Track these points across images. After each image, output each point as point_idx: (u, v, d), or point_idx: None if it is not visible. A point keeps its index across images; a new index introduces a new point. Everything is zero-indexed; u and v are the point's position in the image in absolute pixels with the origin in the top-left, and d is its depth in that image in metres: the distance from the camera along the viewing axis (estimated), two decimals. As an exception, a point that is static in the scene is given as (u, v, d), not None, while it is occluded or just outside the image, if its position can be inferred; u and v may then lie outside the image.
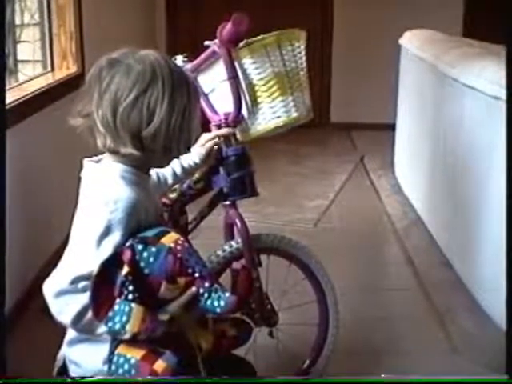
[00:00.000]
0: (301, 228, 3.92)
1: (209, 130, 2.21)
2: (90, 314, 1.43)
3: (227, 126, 2.15)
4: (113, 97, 1.47)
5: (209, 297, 1.45)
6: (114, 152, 1.52)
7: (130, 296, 1.40)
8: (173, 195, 2.32)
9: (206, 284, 1.44)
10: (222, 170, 2.17)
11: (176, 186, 2.32)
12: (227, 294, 1.45)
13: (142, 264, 1.42)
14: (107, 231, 1.47)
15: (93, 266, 1.43)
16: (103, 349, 1.49)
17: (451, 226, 3.38)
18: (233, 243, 2.22)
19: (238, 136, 2.20)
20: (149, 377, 1.41)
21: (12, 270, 2.12)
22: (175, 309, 1.45)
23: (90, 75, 1.52)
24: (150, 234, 1.46)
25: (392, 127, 4.82)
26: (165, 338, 1.45)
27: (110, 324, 1.41)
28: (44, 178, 3.14)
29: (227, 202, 2.20)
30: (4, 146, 1.88)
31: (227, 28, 2.05)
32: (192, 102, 1.53)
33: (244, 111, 2.14)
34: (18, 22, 3.73)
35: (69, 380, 1.54)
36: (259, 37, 2.10)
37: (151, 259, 1.42)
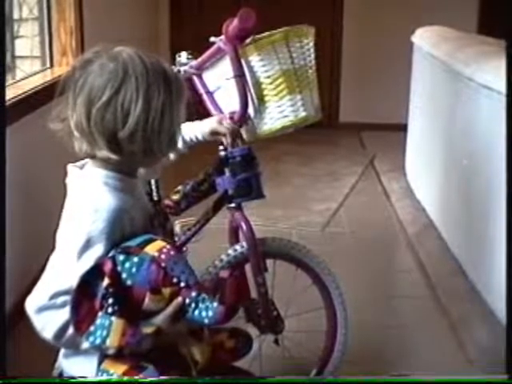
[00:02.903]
0: (308, 232, 3.92)
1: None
2: (71, 329, 1.43)
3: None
4: (86, 99, 1.46)
5: (196, 307, 1.43)
6: (92, 157, 1.51)
7: (110, 309, 1.39)
8: (175, 197, 2.32)
9: (193, 294, 1.43)
10: (227, 171, 2.18)
11: (179, 188, 2.33)
12: (215, 304, 1.43)
13: (124, 275, 1.41)
14: (88, 244, 1.45)
15: (73, 280, 1.42)
16: (95, 362, 1.50)
17: (465, 231, 3.38)
18: (237, 247, 2.23)
19: (244, 136, 2.21)
20: None
21: (12, 269, 2.13)
22: (161, 321, 1.44)
23: (63, 78, 1.51)
24: (133, 243, 1.45)
25: (403, 128, 4.82)
26: (154, 352, 1.45)
27: (91, 339, 1.40)
28: (42, 180, 3.15)
29: (232, 205, 2.21)
30: (4, 145, 1.89)
31: (233, 24, 2.05)
32: (173, 100, 1.49)
33: (250, 110, 2.15)
34: (16, 16, 3.74)
35: (69, 380, 1.54)
36: (266, 33, 2.11)
37: (133, 269, 1.41)
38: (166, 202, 2.34)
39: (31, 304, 1.48)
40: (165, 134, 1.49)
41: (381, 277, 3.49)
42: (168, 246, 1.45)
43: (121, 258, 1.42)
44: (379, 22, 5.97)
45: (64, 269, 1.47)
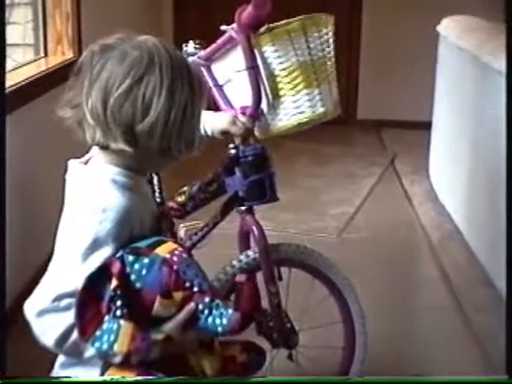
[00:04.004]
0: (323, 238, 3.92)
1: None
2: (75, 334, 1.43)
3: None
4: (104, 85, 1.45)
5: (209, 314, 1.43)
6: (104, 147, 1.51)
7: (119, 312, 1.39)
8: (181, 199, 2.33)
9: (206, 299, 1.42)
10: (237, 172, 2.19)
11: (184, 189, 2.34)
12: (230, 311, 1.43)
13: (134, 277, 1.41)
14: (94, 245, 1.45)
15: (78, 282, 1.42)
16: (97, 373, 1.49)
17: (493, 238, 3.37)
18: (249, 253, 2.24)
19: (256, 133, 2.21)
20: None
21: (12, 269, 2.15)
22: (172, 328, 1.43)
23: (80, 61, 1.51)
24: (142, 244, 1.45)
25: (427, 126, 4.82)
26: (162, 361, 1.44)
27: (97, 344, 1.40)
28: (36, 176, 3.16)
29: (243, 208, 2.22)
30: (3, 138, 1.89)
31: (247, 11, 2.06)
32: (196, 97, 1.50)
33: (263, 105, 2.15)
34: (7, 0, 3.76)
35: (69, 380, 1.54)
36: (282, 22, 2.12)
37: (143, 271, 1.41)
38: (171, 204, 2.35)
39: (31, 307, 1.48)
40: (186, 132, 1.49)
41: (402, 287, 3.49)
42: (180, 249, 1.45)
43: (130, 258, 1.42)
44: (402, 10, 5.96)
45: (68, 270, 1.47)
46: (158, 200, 2.47)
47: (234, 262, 2.23)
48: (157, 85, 1.45)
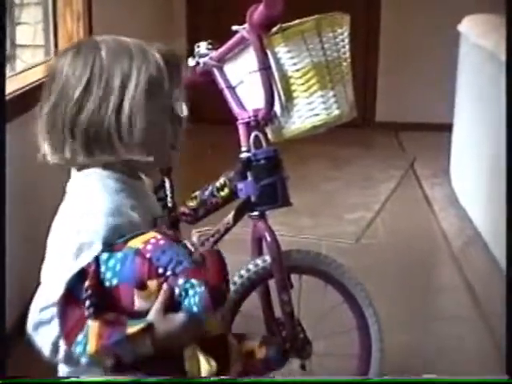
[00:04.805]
0: (340, 244, 3.92)
1: (236, 129, 2.22)
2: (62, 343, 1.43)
3: (257, 124, 2.16)
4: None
5: (186, 295, 1.39)
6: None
7: (86, 312, 1.37)
8: (192, 203, 2.33)
9: (180, 281, 1.39)
10: (249, 176, 2.18)
11: (196, 194, 2.34)
12: (202, 288, 1.38)
13: (109, 274, 1.40)
14: (79, 251, 1.45)
15: (60, 290, 1.42)
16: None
17: (516, 244, 3.36)
18: (259, 261, 2.23)
19: (269, 136, 2.21)
20: None
21: (12, 268, 2.16)
22: (152, 316, 1.40)
23: None
24: (119, 240, 1.44)
25: (448, 128, 4.80)
26: (156, 364, 1.42)
27: (77, 349, 1.38)
28: (44, 183, 3.16)
29: (255, 213, 2.21)
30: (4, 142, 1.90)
31: (259, 10, 2.06)
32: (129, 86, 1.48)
33: (276, 107, 2.15)
34: (17, 0, 3.78)
35: (69, 380, 1.54)
36: (296, 21, 2.11)
37: (118, 266, 1.40)
38: (182, 209, 2.36)
39: (29, 321, 1.49)
40: (139, 123, 1.49)
41: (421, 295, 3.48)
42: (159, 236, 1.42)
43: (104, 256, 1.41)
44: (422, 9, 5.95)
45: (53, 280, 1.47)
46: (170, 205, 2.48)
47: (243, 272, 2.22)
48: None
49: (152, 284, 1.40)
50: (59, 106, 1.49)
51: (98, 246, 1.44)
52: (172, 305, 1.40)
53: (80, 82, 1.47)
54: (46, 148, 1.53)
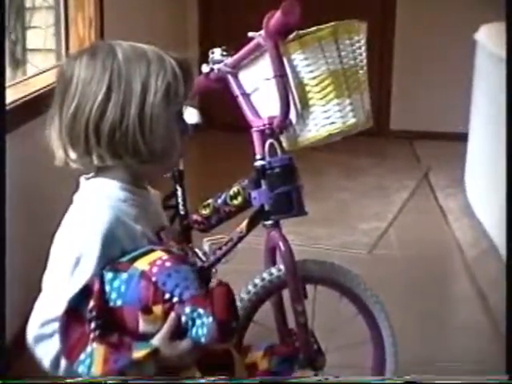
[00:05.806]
0: (353, 254, 3.91)
1: (250, 137, 2.22)
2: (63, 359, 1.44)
3: (272, 132, 2.16)
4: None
5: (193, 324, 1.40)
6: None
7: (92, 335, 1.38)
8: (205, 211, 2.34)
9: (187, 309, 1.39)
10: (263, 184, 2.18)
11: (209, 201, 2.34)
12: (210, 319, 1.38)
13: (114, 295, 1.40)
14: (77, 263, 1.45)
15: (62, 305, 1.42)
16: None
17: (533, 257, 3.35)
18: (273, 270, 2.23)
19: (284, 144, 2.21)
20: None
21: (12, 268, 2.16)
22: (158, 342, 1.40)
23: None
24: (126, 257, 1.44)
25: (463, 137, 4.80)
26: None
27: (81, 368, 1.38)
28: (54, 190, 3.17)
29: (269, 222, 2.21)
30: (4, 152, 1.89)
31: (275, 17, 2.06)
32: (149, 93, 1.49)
33: (292, 115, 2.15)
34: (28, 4, 3.79)
35: (69, 380, 1.54)
36: (312, 28, 2.12)
37: (123, 288, 1.40)
38: (195, 216, 2.36)
39: (29, 333, 1.49)
40: (146, 132, 1.49)
41: (435, 307, 3.47)
42: (165, 257, 1.42)
43: (109, 275, 1.41)
44: (437, 15, 5.95)
45: (53, 292, 1.47)
46: (182, 213, 2.48)
47: (257, 281, 2.22)
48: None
49: (157, 309, 1.40)
50: (80, 110, 1.48)
51: (95, 260, 1.44)
52: (178, 331, 1.41)
53: (100, 86, 1.47)
54: (69, 153, 1.53)
